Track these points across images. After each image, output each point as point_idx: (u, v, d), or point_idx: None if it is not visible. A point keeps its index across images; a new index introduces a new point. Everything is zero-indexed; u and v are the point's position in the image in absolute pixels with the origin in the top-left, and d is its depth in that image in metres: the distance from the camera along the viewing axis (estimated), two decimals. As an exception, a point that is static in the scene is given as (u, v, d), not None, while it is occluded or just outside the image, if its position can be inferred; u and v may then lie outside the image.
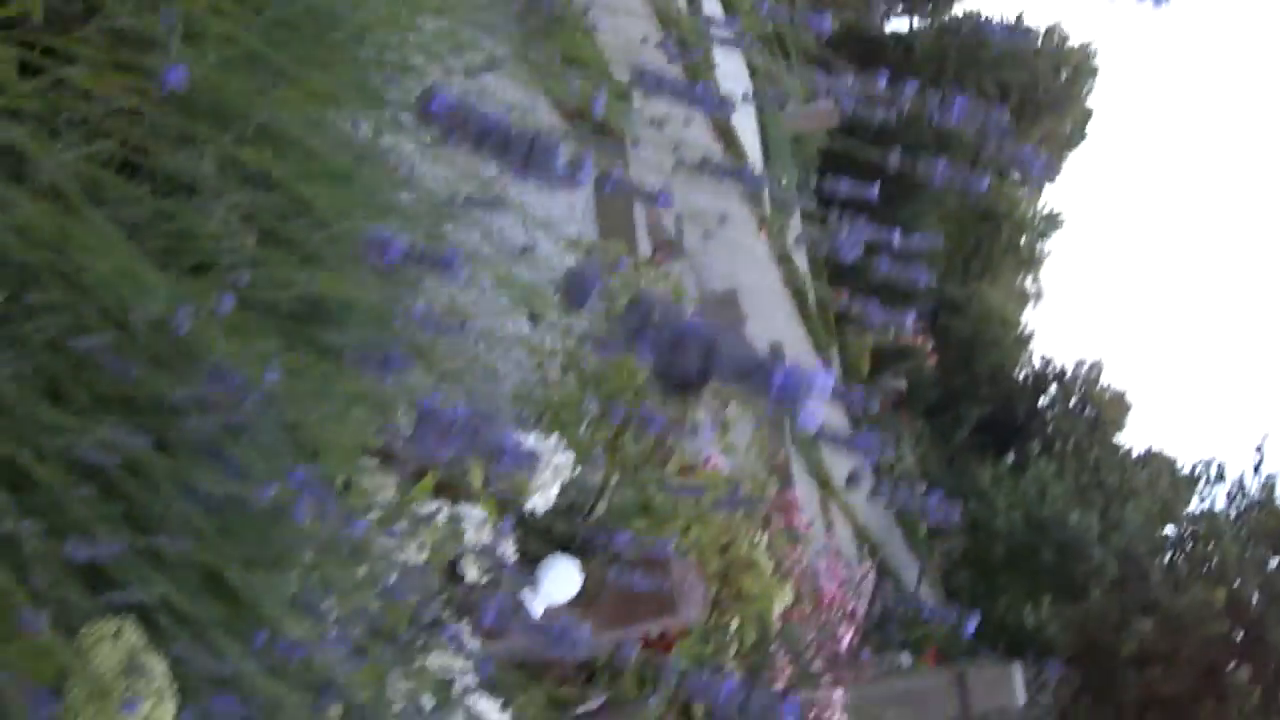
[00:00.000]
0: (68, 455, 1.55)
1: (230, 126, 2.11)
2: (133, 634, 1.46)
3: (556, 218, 2.79)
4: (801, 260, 16.05)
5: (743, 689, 1.06)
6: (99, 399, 1.64)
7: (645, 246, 6.01)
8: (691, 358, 0.74)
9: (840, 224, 2.05)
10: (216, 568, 1.67)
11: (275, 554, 1.68)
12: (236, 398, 1.19)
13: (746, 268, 10.53)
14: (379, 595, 1.92)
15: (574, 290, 0.89)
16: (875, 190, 2.14)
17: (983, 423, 36.50)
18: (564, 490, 3.46)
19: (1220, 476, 24.81)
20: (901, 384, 26.62)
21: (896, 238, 2.10)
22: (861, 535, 17.75)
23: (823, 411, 0.74)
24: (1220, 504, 23.83)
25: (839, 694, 7.00)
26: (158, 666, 1.46)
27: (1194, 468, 33.10)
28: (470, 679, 2.50)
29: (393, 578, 2.00)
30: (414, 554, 2.32)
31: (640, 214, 6.16)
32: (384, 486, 2.51)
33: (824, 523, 12.61)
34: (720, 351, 0.73)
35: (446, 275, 0.99)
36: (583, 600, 3.30)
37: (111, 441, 1.36)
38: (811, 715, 6.65)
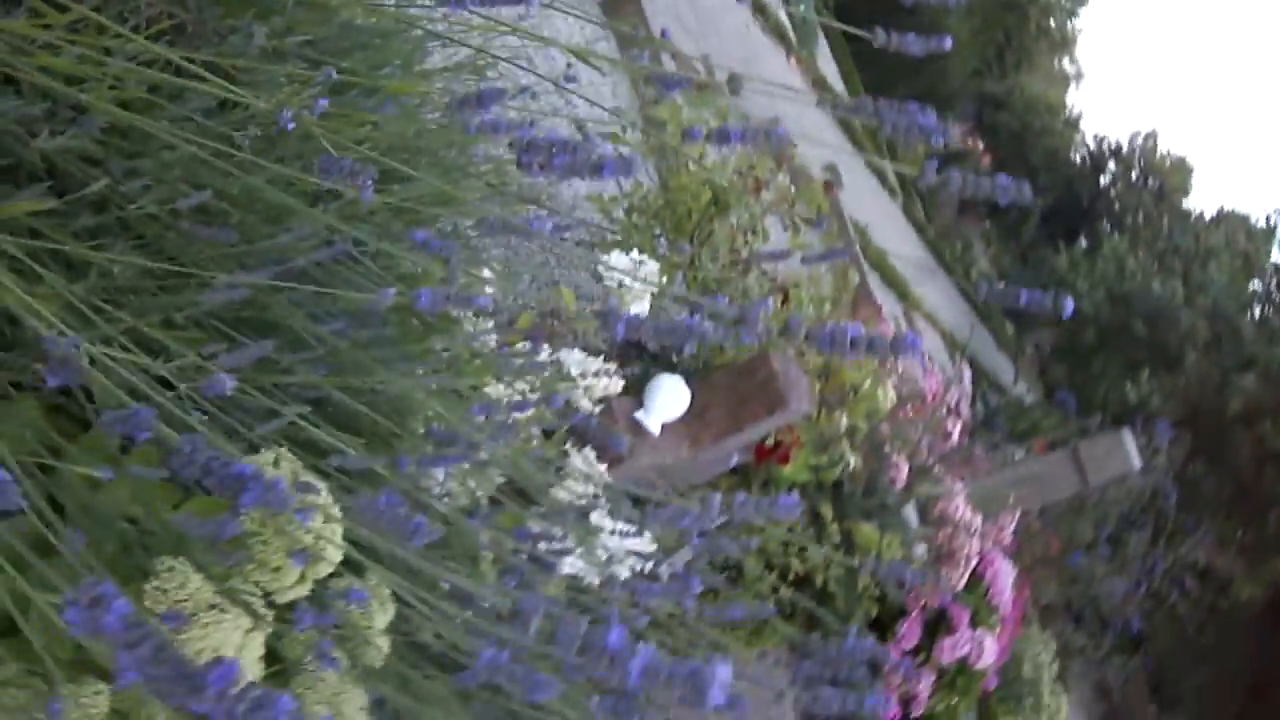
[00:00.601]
0: (193, 317, 1.63)
1: (268, 18, 2.18)
2: (291, 460, 1.54)
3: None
4: (836, 82, 15.93)
5: (858, 329, 1.12)
6: (211, 261, 1.71)
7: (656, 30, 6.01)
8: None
9: None
10: (348, 398, 1.75)
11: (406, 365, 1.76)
12: (351, 180, 1.25)
13: (785, 98, 10.48)
14: (529, 405, 2.00)
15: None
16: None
17: (1049, 212, 36.21)
18: (653, 332, 3.51)
19: (1297, 222, 24.56)
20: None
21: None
22: (951, 342, 17.78)
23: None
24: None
25: (960, 486, 7.09)
26: (320, 484, 1.54)
27: (1268, 218, 32.78)
28: (602, 503, 2.58)
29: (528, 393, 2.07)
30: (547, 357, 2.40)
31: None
32: (484, 331, 2.59)
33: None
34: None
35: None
36: (694, 413, 3.38)
37: (236, 283, 1.43)
38: (937, 509, 6.75)
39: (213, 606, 1.47)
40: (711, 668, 0.80)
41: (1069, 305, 1.63)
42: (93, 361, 1.19)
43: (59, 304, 1.59)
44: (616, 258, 2.68)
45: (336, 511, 1.54)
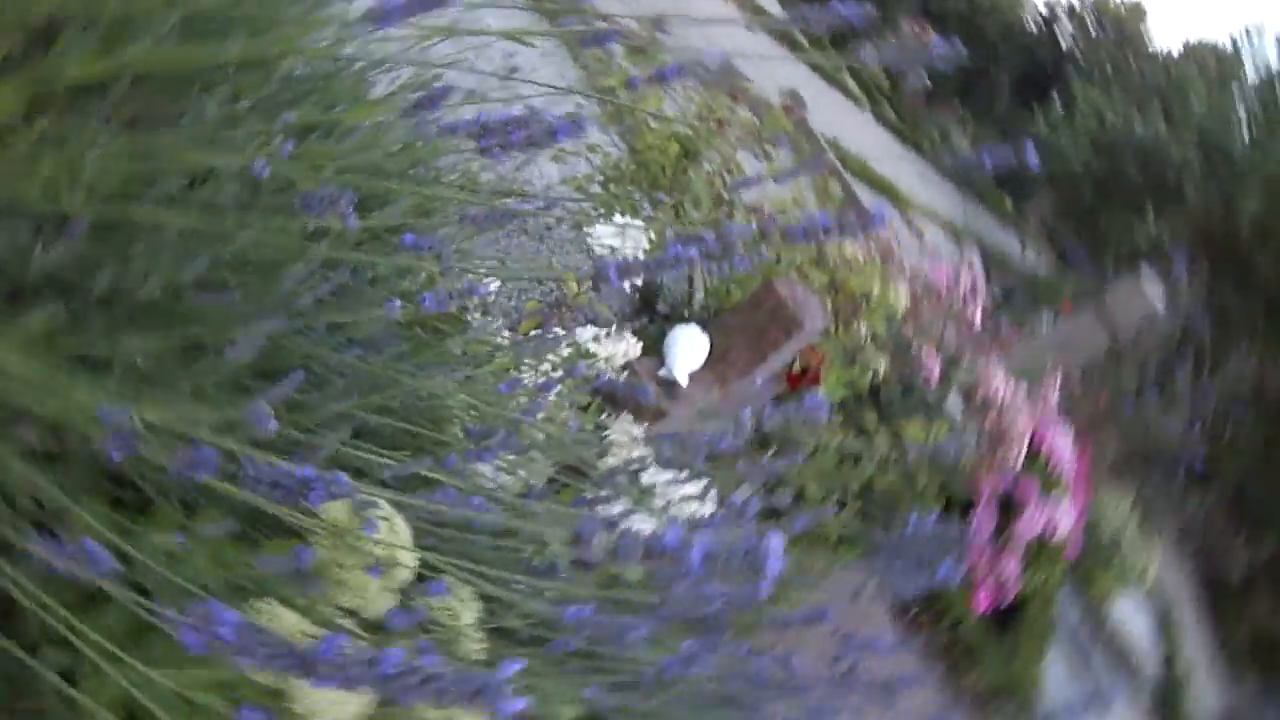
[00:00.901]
0: (220, 381, 1.71)
1: (212, 89, 2.25)
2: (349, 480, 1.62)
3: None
4: (774, 8, 15.91)
5: (826, 218, 1.19)
6: (224, 324, 1.79)
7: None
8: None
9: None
10: (383, 419, 1.82)
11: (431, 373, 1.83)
12: (332, 207, 1.32)
13: (728, 35, 10.52)
14: (565, 375, 2.07)
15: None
16: None
17: (1017, 83, 36.25)
18: (661, 296, 3.60)
19: (1261, 34, 24.47)
20: (922, 78, 26.46)
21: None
22: (953, 231, 17.78)
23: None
24: (1275, 60, 23.60)
25: (995, 364, 7.12)
26: (380, 496, 1.62)
27: (1233, 41, 32.69)
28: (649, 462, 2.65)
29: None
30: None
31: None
32: (496, 330, 2.66)
33: (911, 232, 12.65)
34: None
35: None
36: (717, 357, 3.45)
37: (251, 334, 1.50)
38: (979, 394, 6.79)
39: (307, 636, 1.55)
40: (766, 541, 0.87)
41: (1030, 149, 1.69)
42: (147, 427, 1.27)
43: (99, 398, 1.67)
44: (601, 228, 2.75)
45: (400, 520, 1.62)
